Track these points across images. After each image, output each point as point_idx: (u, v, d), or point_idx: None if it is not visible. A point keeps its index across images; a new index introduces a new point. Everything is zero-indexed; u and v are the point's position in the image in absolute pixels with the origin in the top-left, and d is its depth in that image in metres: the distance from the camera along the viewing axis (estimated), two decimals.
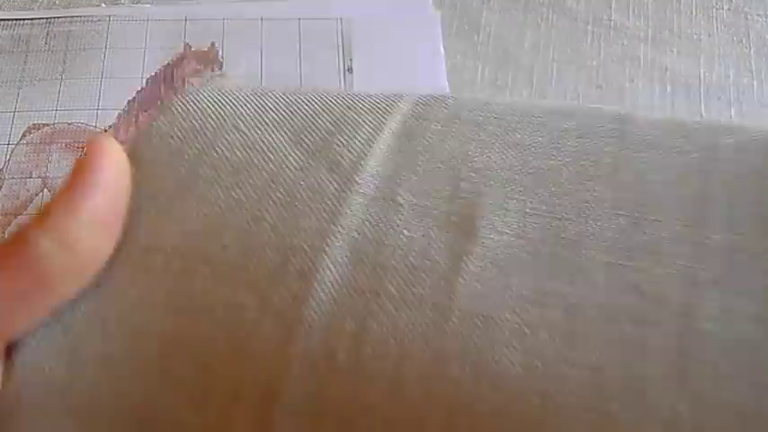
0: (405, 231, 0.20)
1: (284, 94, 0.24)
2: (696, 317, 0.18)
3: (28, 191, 0.43)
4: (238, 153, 0.22)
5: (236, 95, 0.24)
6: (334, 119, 0.23)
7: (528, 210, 0.20)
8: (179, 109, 0.24)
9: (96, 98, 0.46)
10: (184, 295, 0.19)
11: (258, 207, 0.20)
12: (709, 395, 0.17)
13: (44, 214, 0.19)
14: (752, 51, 0.48)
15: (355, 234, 0.20)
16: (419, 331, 0.18)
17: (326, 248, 0.19)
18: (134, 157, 0.22)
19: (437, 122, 0.22)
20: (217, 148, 0.22)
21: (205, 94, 0.24)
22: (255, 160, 0.22)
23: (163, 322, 0.19)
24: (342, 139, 0.22)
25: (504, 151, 0.21)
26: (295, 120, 0.23)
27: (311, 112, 0.23)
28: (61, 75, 0.47)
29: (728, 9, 0.49)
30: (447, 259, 0.19)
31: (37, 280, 0.18)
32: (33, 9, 0.50)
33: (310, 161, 0.21)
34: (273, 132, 0.22)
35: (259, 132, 0.22)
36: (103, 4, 0.50)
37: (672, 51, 0.48)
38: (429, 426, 0.17)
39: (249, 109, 0.23)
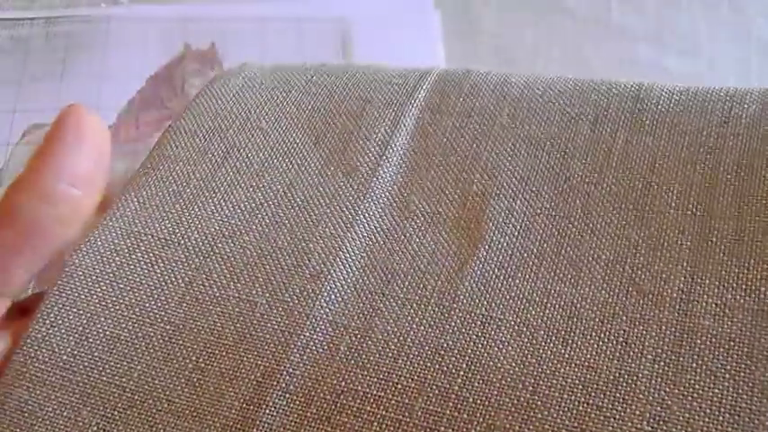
0: (415, 238, 0.21)
1: (306, 83, 0.25)
2: (695, 313, 0.18)
3: None
4: (261, 155, 0.23)
5: (260, 88, 0.25)
6: (353, 115, 0.24)
7: (534, 209, 0.21)
8: (204, 106, 0.25)
9: (96, 98, 0.46)
10: (199, 289, 0.21)
11: (277, 211, 0.22)
12: (702, 392, 0.17)
13: (22, 174, 0.20)
14: (752, 51, 0.48)
15: (368, 241, 0.21)
16: (420, 330, 0.19)
17: (340, 254, 0.21)
18: (160, 151, 0.24)
19: (451, 116, 0.23)
20: (240, 150, 0.23)
21: (230, 88, 0.25)
22: (276, 163, 0.23)
23: (175, 311, 0.20)
24: (359, 142, 0.23)
25: (516, 147, 0.22)
26: (315, 117, 0.24)
27: (331, 109, 0.24)
28: (61, 75, 0.47)
29: (728, 9, 0.49)
30: (453, 263, 0.20)
31: (21, 231, 0.20)
32: (33, 9, 0.50)
33: (329, 165, 0.23)
34: (294, 132, 0.24)
35: (281, 132, 0.24)
36: (103, 4, 0.50)
37: (672, 51, 0.48)
38: (417, 411, 0.18)
39: (271, 105, 0.25)
